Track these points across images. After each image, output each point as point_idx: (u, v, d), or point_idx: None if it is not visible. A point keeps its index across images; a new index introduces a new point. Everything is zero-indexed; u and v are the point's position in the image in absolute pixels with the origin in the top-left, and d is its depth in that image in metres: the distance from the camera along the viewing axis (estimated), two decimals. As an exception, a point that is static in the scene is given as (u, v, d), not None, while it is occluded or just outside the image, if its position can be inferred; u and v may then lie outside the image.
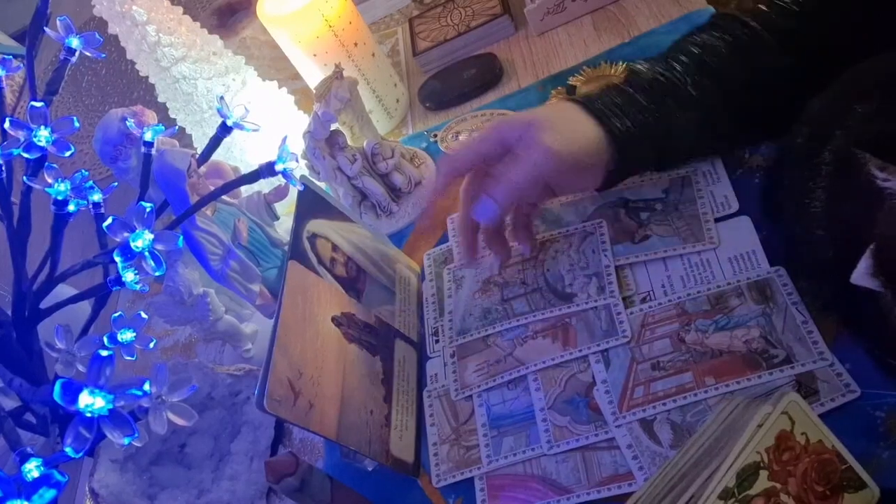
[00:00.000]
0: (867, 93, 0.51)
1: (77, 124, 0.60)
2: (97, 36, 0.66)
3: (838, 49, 0.58)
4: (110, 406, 0.45)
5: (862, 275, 0.47)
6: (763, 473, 0.42)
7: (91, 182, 0.64)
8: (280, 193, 0.79)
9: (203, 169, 0.73)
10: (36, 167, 0.62)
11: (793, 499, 0.42)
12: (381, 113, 0.95)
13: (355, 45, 0.89)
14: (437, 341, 0.72)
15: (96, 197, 0.64)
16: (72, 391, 0.44)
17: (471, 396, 0.66)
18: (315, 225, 0.68)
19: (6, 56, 0.66)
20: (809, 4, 0.60)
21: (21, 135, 0.58)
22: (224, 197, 0.73)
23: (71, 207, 0.62)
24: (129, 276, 0.56)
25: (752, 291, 0.60)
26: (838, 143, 0.50)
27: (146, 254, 0.54)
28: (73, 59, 0.65)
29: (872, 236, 0.46)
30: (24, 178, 0.62)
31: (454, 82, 0.96)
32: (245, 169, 0.84)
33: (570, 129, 0.60)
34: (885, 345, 0.51)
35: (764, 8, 0.61)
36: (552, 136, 0.59)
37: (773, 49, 0.60)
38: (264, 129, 0.71)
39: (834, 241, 0.51)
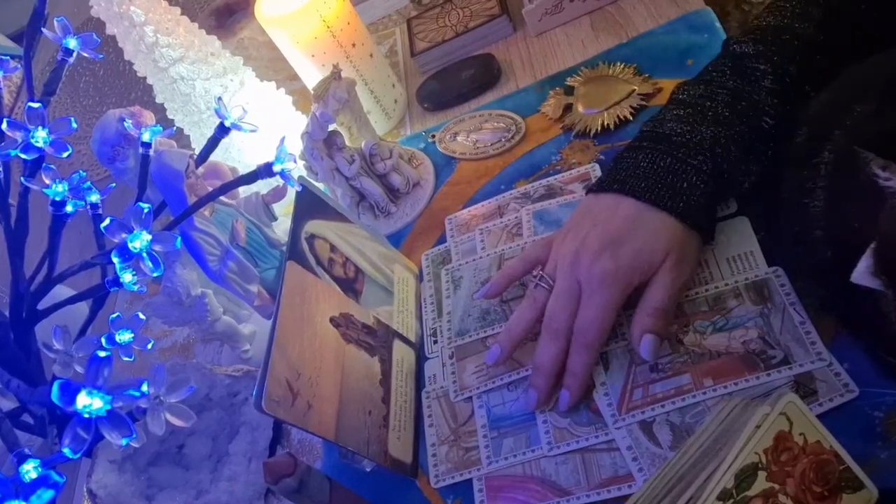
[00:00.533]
0: (866, 92, 0.51)
1: (75, 125, 0.60)
2: (95, 36, 0.66)
3: (841, 52, 0.58)
4: (108, 407, 0.45)
5: (863, 274, 0.47)
6: (761, 474, 0.42)
7: (89, 183, 0.63)
8: (278, 194, 0.79)
9: (201, 170, 0.73)
10: (33, 168, 0.62)
11: (791, 499, 0.42)
12: (379, 113, 0.95)
13: (353, 45, 0.89)
14: (435, 342, 0.72)
15: (94, 198, 0.64)
16: (70, 392, 0.44)
17: (470, 398, 0.66)
18: (313, 226, 0.68)
19: (4, 57, 0.65)
20: (832, 32, 0.60)
21: (18, 135, 0.58)
22: (222, 198, 0.73)
23: (69, 208, 0.62)
24: (126, 277, 0.55)
25: (749, 292, 0.60)
26: (838, 142, 0.50)
27: (144, 255, 0.53)
28: (71, 60, 0.65)
29: (873, 236, 0.46)
30: (22, 178, 0.61)
31: (452, 83, 0.96)
32: (243, 170, 0.84)
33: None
34: (884, 344, 0.51)
35: (797, 44, 0.60)
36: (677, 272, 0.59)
37: (810, 96, 0.59)
38: (262, 129, 0.71)
39: (833, 240, 0.51)
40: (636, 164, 0.62)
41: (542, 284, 0.62)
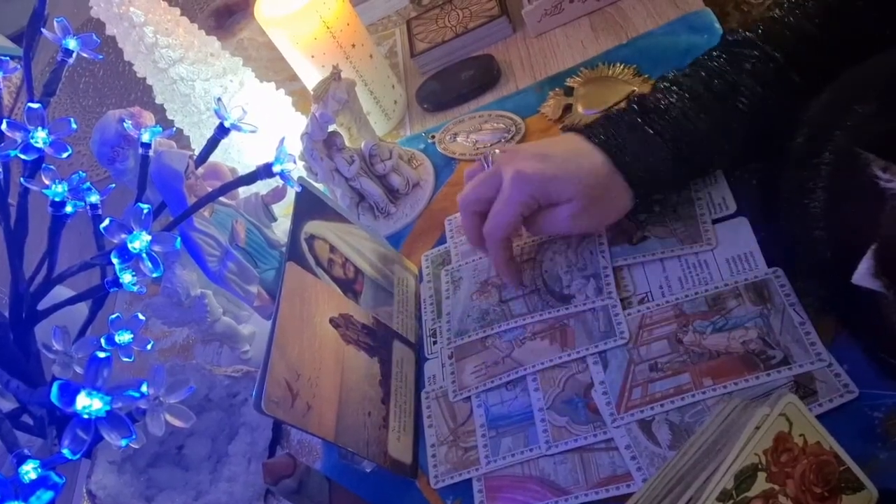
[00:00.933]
0: (866, 93, 0.51)
1: (74, 126, 0.60)
2: (95, 37, 0.66)
3: (843, 54, 0.58)
4: (108, 408, 0.45)
5: (863, 275, 0.47)
6: (761, 475, 0.42)
7: (88, 183, 0.63)
8: (278, 195, 0.79)
9: (201, 170, 0.73)
10: (33, 168, 0.62)
11: (791, 500, 0.42)
12: (378, 114, 0.95)
13: (353, 46, 0.89)
14: (434, 343, 0.72)
15: (94, 198, 0.64)
16: (69, 393, 0.44)
17: (469, 397, 0.66)
18: (313, 226, 0.68)
19: (3, 57, 0.66)
20: (832, 30, 0.60)
21: (18, 136, 0.58)
22: (222, 198, 0.73)
23: (68, 209, 0.62)
24: (126, 278, 0.55)
25: (749, 292, 0.60)
26: (838, 143, 0.50)
27: (144, 255, 0.53)
28: (71, 61, 0.65)
29: (874, 237, 0.46)
30: (22, 179, 0.61)
31: (452, 83, 0.96)
32: (243, 170, 0.84)
33: (606, 193, 0.62)
34: (884, 345, 0.51)
35: (788, 34, 0.61)
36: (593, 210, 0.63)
37: (797, 84, 0.60)
38: (262, 130, 0.71)
39: (833, 241, 0.51)
40: (607, 118, 0.65)
41: (483, 162, 0.69)
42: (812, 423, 0.44)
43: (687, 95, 0.62)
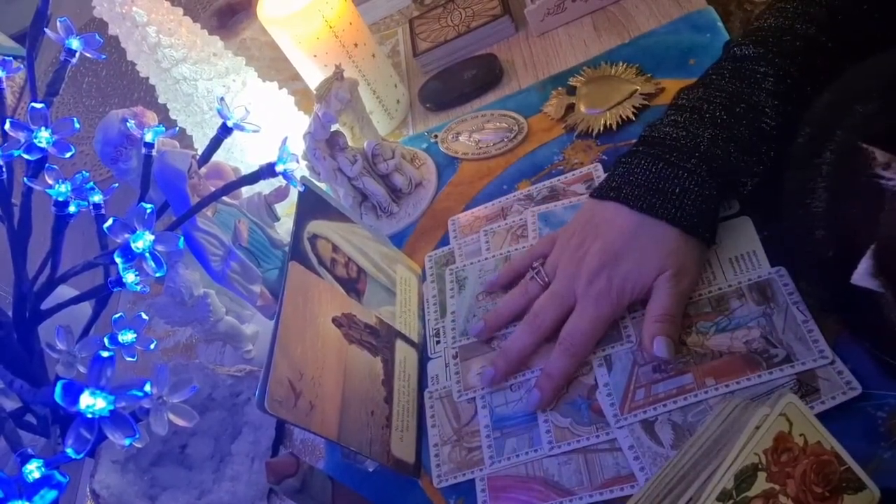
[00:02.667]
0: (868, 92, 0.50)
1: (77, 125, 0.60)
2: (97, 37, 0.66)
3: (843, 52, 0.58)
4: (111, 407, 0.45)
5: (863, 275, 0.47)
6: (761, 475, 0.42)
7: (92, 183, 0.63)
8: (280, 194, 0.79)
9: (203, 170, 0.73)
10: (36, 168, 0.62)
11: (791, 500, 0.42)
12: (381, 114, 0.95)
13: (355, 45, 0.89)
14: (438, 342, 0.72)
15: (97, 198, 0.64)
16: (73, 392, 0.44)
17: (473, 398, 0.66)
18: (315, 226, 0.68)
19: (6, 57, 0.66)
20: (838, 35, 0.60)
21: (21, 136, 0.58)
22: (224, 198, 0.73)
23: (71, 208, 0.62)
24: (129, 277, 0.55)
25: (752, 292, 0.60)
26: (840, 142, 0.50)
27: (147, 255, 0.53)
28: (74, 61, 0.65)
29: (874, 236, 0.46)
30: (25, 179, 0.62)
31: (454, 83, 0.96)
32: (245, 170, 0.84)
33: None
34: (885, 345, 0.51)
35: (799, 45, 0.60)
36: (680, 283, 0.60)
37: (811, 97, 0.59)
38: (265, 130, 0.71)
39: (834, 240, 0.51)
40: (631, 170, 0.63)
41: (538, 279, 0.65)
42: (813, 423, 0.44)
43: (708, 123, 0.61)
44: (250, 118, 0.69)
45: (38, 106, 0.59)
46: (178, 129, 0.79)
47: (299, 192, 0.67)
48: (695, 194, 0.60)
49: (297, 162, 0.64)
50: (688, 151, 0.60)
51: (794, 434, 0.43)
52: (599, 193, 0.65)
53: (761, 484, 0.42)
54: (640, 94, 0.80)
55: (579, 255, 0.63)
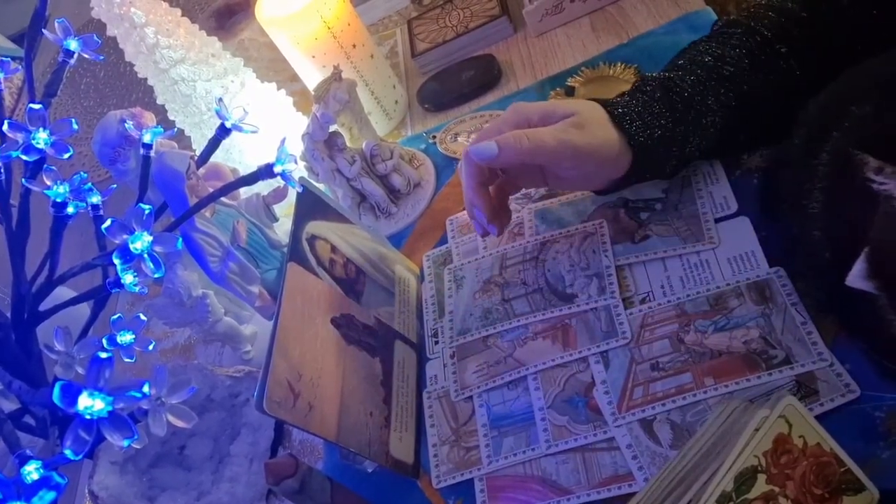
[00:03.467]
0: (864, 94, 0.51)
1: (76, 126, 0.60)
2: (96, 38, 0.66)
3: (839, 50, 0.58)
4: (110, 408, 0.45)
5: (857, 277, 0.47)
6: (761, 477, 0.42)
7: (90, 184, 0.63)
8: (279, 195, 0.79)
9: (202, 171, 0.73)
10: (35, 169, 0.62)
11: (791, 502, 0.42)
12: (379, 114, 0.95)
13: (354, 46, 0.89)
14: (436, 342, 0.72)
15: (95, 199, 0.64)
16: (71, 393, 0.44)
17: (471, 397, 0.66)
18: (314, 226, 0.68)
19: (4, 58, 0.66)
20: (816, 10, 0.60)
21: (20, 137, 0.58)
22: (223, 199, 0.73)
23: (70, 209, 0.62)
24: (128, 278, 0.56)
25: (751, 292, 0.60)
26: (836, 144, 0.50)
27: (145, 256, 0.54)
28: (72, 62, 0.65)
29: (867, 239, 0.46)
30: (23, 180, 0.62)
31: (453, 84, 0.96)
32: (244, 170, 0.84)
33: (596, 128, 0.60)
34: (880, 347, 0.51)
35: (773, 15, 0.62)
36: (582, 133, 0.59)
37: (784, 57, 0.60)
38: (263, 130, 0.71)
39: (831, 242, 0.51)
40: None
41: None
42: (812, 425, 0.44)
43: (677, 69, 0.63)
44: (249, 119, 0.69)
45: (37, 107, 0.59)
46: (176, 129, 0.79)
47: (298, 193, 0.67)
48: (639, 100, 0.62)
49: (296, 163, 0.64)
50: (650, 80, 0.64)
51: (794, 436, 0.44)
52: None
53: (761, 486, 0.42)
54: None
55: None
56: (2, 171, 0.63)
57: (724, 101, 0.61)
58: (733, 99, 0.61)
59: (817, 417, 0.46)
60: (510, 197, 0.72)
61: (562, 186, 0.72)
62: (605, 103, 0.62)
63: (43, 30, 0.65)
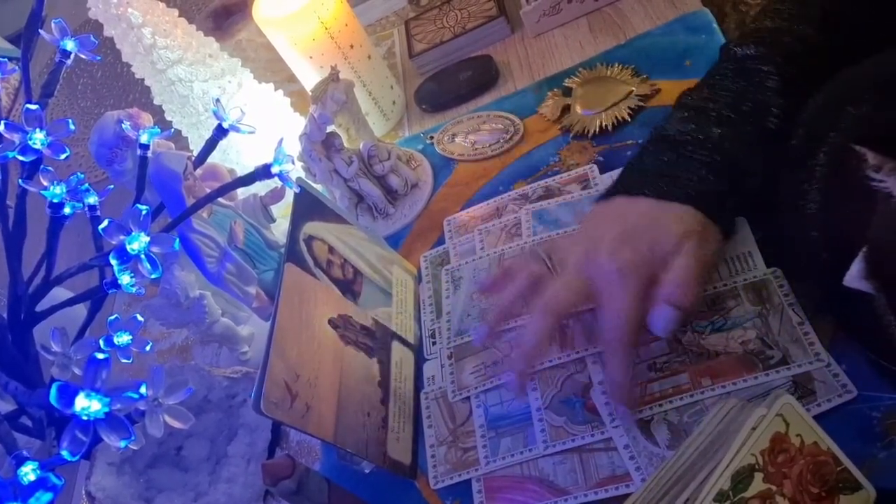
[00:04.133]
0: (861, 95, 0.51)
1: (72, 127, 0.60)
2: (93, 38, 0.66)
3: (838, 53, 0.58)
4: (106, 409, 0.45)
5: (855, 277, 0.47)
6: (758, 476, 0.42)
7: (87, 185, 0.63)
8: (276, 196, 0.79)
9: (199, 171, 0.73)
10: (31, 170, 0.62)
11: (788, 501, 0.42)
12: (377, 115, 0.95)
13: (351, 47, 0.89)
14: (434, 343, 0.72)
15: (92, 199, 0.64)
16: (68, 394, 0.44)
17: (468, 398, 0.66)
18: (311, 227, 0.68)
19: (1, 59, 0.65)
20: (825, 28, 0.60)
21: (16, 137, 0.58)
22: (220, 199, 0.73)
23: (67, 210, 0.62)
24: (125, 279, 0.55)
25: (748, 293, 0.60)
26: (833, 144, 0.50)
27: (142, 256, 0.54)
28: (69, 62, 0.65)
29: (865, 239, 0.46)
30: (20, 180, 0.62)
31: (450, 84, 0.96)
32: (241, 171, 0.84)
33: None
34: (878, 347, 0.51)
35: (798, 47, 0.60)
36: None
37: (806, 92, 0.57)
38: (260, 131, 0.71)
39: (828, 242, 0.51)
40: (642, 166, 0.61)
41: (545, 261, 0.61)
42: (809, 424, 0.44)
43: (715, 122, 0.60)
44: (246, 119, 0.69)
45: (33, 107, 0.59)
46: (173, 130, 0.79)
47: (295, 194, 0.67)
48: (710, 182, 0.57)
49: (293, 163, 0.64)
50: (699, 143, 0.59)
51: (791, 435, 0.44)
52: (607, 194, 0.62)
53: (758, 485, 0.42)
54: (636, 95, 0.80)
55: (589, 245, 0.57)
56: (-2, 171, 0.63)
57: (770, 160, 0.58)
58: (776, 153, 0.57)
59: (815, 417, 0.46)
60: (508, 200, 0.71)
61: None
62: (686, 198, 0.57)
63: (40, 30, 0.65)
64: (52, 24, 0.64)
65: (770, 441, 0.43)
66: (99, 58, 0.67)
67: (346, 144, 0.82)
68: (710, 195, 0.58)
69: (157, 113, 0.84)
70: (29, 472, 0.43)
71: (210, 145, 0.71)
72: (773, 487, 0.42)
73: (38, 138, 0.58)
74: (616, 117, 0.79)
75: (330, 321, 0.65)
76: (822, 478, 0.43)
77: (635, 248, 0.55)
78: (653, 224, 0.57)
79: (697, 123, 0.60)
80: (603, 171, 0.76)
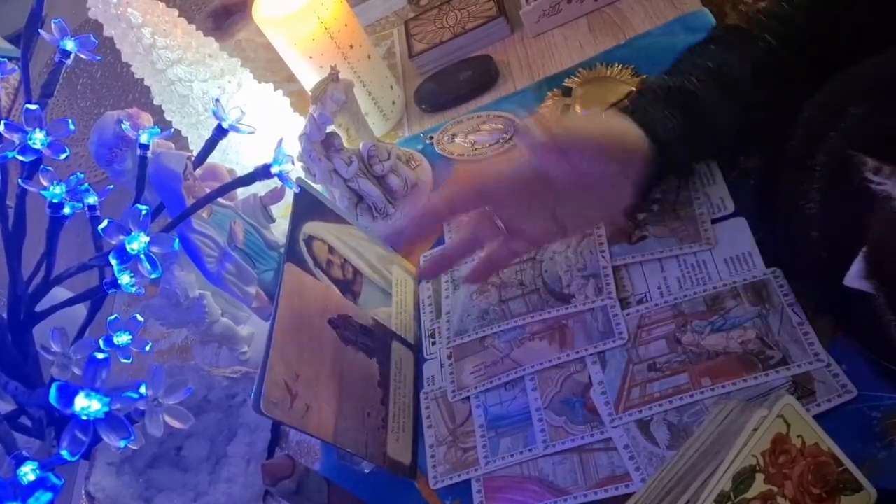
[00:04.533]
0: (861, 95, 0.51)
1: (72, 127, 0.60)
2: (92, 38, 0.66)
3: (839, 52, 0.58)
4: (106, 409, 0.45)
5: (855, 277, 0.47)
6: (759, 477, 0.42)
7: (86, 185, 0.64)
8: (276, 196, 0.79)
9: (199, 171, 0.73)
10: (31, 170, 0.62)
11: (789, 501, 0.42)
12: (377, 115, 0.95)
13: (351, 47, 0.89)
14: (433, 343, 0.72)
15: (92, 199, 0.64)
16: (68, 394, 0.44)
17: (468, 398, 0.66)
18: (311, 227, 0.68)
19: (1, 59, 0.65)
20: (817, 16, 0.60)
21: (16, 137, 0.58)
22: (220, 199, 0.73)
23: (66, 210, 0.62)
24: (124, 279, 0.56)
25: (748, 293, 0.60)
26: (832, 144, 0.51)
27: (142, 256, 0.54)
28: (69, 62, 0.65)
29: (865, 239, 0.46)
30: (20, 180, 0.62)
31: (450, 84, 0.96)
32: (241, 171, 0.84)
33: (610, 118, 0.58)
34: (878, 347, 0.51)
35: (777, 25, 0.60)
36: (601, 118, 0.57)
37: (787, 62, 0.59)
38: (260, 131, 0.71)
39: (828, 242, 0.51)
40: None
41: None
42: (810, 425, 0.44)
43: (679, 73, 0.61)
44: (246, 119, 0.69)
45: (33, 107, 0.59)
46: (173, 130, 0.79)
47: (295, 194, 0.67)
48: (660, 118, 0.59)
49: (293, 163, 0.64)
50: (659, 90, 0.61)
51: (792, 435, 0.44)
52: None
53: (759, 486, 0.42)
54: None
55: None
56: (-2, 171, 0.63)
57: (724, 106, 0.60)
58: (735, 102, 0.60)
59: (815, 418, 0.46)
60: None
61: (575, 222, 0.62)
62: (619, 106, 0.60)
63: (39, 30, 0.65)
64: (52, 24, 0.64)
65: (771, 442, 0.43)
66: (99, 58, 0.67)
67: (345, 144, 0.82)
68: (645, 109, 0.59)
69: (157, 113, 0.84)
70: (29, 472, 0.43)
71: (210, 145, 0.71)
72: (775, 488, 0.42)
73: (37, 138, 0.58)
74: (616, 117, 0.79)
75: (330, 321, 0.65)
76: (823, 478, 0.43)
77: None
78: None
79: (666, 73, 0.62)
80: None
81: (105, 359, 0.46)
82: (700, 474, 0.44)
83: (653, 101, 0.60)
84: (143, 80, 0.85)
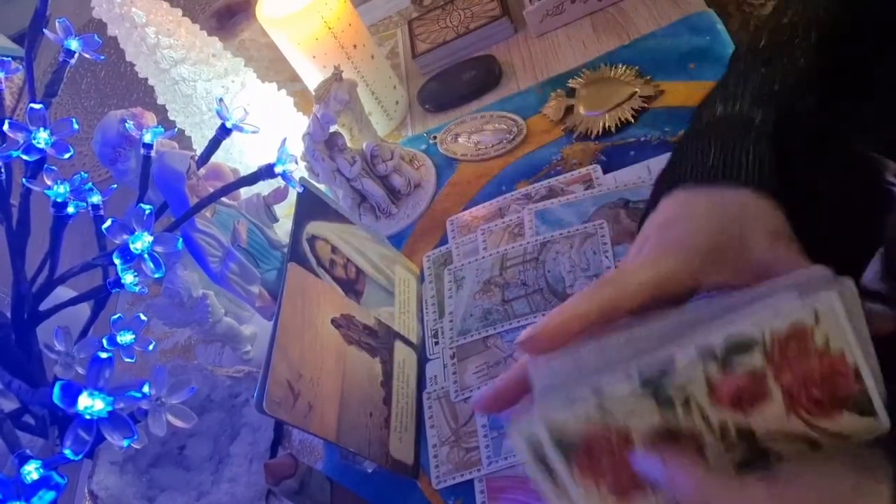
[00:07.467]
0: (874, 93, 0.50)
1: (76, 126, 0.60)
2: (96, 38, 0.66)
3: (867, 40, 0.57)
4: (110, 408, 0.45)
5: (871, 279, 0.46)
6: (758, 351, 0.34)
7: (90, 184, 0.64)
8: (279, 195, 0.79)
9: (202, 171, 0.73)
10: (35, 169, 0.62)
11: (781, 388, 0.34)
12: (380, 115, 0.95)
13: (354, 46, 0.89)
14: (436, 343, 0.72)
15: (95, 199, 0.64)
16: (71, 393, 0.44)
17: (471, 398, 0.66)
18: (314, 227, 0.68)
19: (5, 58, 0.66)
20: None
21: (20, 137, 0.58)
22: (223, 199, 0.73)
23: (70, 209, 0.62)
24: (128, 279, 0.56)
25: (751, 293, 0.59)
26: (846, 144, 0.50)
27: (145, 256, 0.54)
28: (73, 61, 0.65)
29: (882, 240, 0.46)
30: (24, 179, 0.62)
31: (453, 84, 0.96)
32: (244, 171, 0.84)
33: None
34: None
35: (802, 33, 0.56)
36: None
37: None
38: (263, 130, 0.71)
39: (841, 244, 0.51)
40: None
41: None
42: (845, 331, 0.34)
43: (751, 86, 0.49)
44: (249, 119, 0.69)
45: (37, 107, 0.59)
46: (176, 129, 0.79)
47: (298, 194, 0.67)
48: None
49: (296, 163, 0.64)
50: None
51: (817, 333, 0.34)
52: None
53: (754, 360, 0.34)
54: (640, 96, 0.80)
55: None
56: (2, 170, 0.63)
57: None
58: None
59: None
60: (511, 200, 0.69)
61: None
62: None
63: (44, 29, 0.65)
64: (56, 24, 0.64)
65: (788, 328, 0.34)
66: (102, 57, 0.67)
67: (349, 144, 0.82)
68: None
69: (161, 112, 0.84)
70: (32, 471, 0.43)
71: (213, 145, 0.71)
72: (770, 371, 0.35)
73: (41, 137, 0.58)
74: (619, 118, 0.79)
75: (333, 321, 0.65)
76: (832, 386, 0.32)
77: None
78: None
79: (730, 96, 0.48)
80: (606, 170, 0.76)
81: (108, 358, 0.47)
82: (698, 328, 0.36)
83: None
84: (146, 79, 0.85)
